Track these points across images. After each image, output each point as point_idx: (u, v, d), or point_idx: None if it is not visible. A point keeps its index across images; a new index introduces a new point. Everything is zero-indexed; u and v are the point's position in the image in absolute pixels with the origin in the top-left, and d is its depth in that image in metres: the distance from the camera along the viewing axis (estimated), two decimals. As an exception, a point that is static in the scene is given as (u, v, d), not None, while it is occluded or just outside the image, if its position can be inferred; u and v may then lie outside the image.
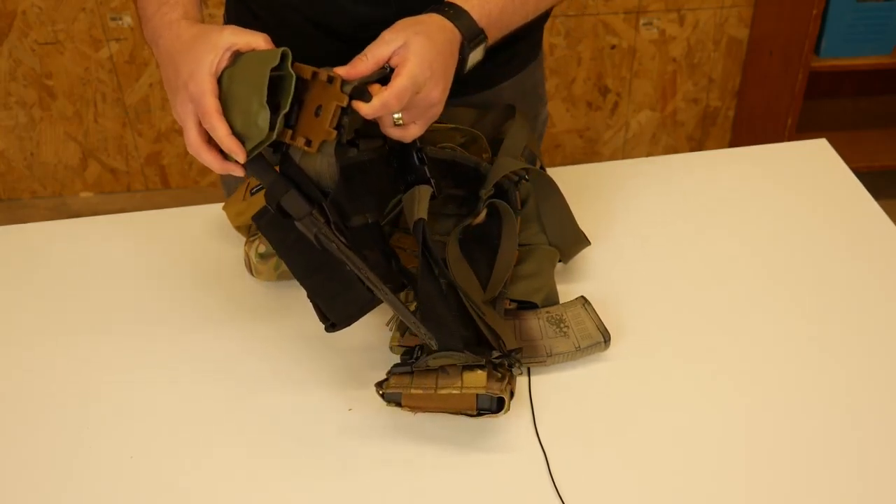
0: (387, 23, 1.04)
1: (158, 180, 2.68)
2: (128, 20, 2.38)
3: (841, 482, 0.85)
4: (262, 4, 1.10)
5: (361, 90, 0.85)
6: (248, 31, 0.86)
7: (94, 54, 2.43)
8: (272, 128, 0.83)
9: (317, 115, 0.84)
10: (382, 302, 0.87)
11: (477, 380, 0.87)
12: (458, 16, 0.91)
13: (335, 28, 1.06)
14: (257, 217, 0.89)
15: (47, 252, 1.17)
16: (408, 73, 0.85)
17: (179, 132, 2.59)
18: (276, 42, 0.87)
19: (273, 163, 0.88)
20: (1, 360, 1.02)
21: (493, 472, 0.87)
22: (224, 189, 1.30)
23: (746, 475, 0.86)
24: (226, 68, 0.85)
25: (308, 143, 0.84)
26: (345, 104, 0.83)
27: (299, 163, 0.86)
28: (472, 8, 0.92)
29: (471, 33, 0.92)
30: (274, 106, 0.83)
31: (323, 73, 0.84)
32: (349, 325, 0.90)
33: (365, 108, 0.84)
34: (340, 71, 0.85)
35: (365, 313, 0.89)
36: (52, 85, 2.47)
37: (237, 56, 0.85)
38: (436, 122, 0.99)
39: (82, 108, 2.52)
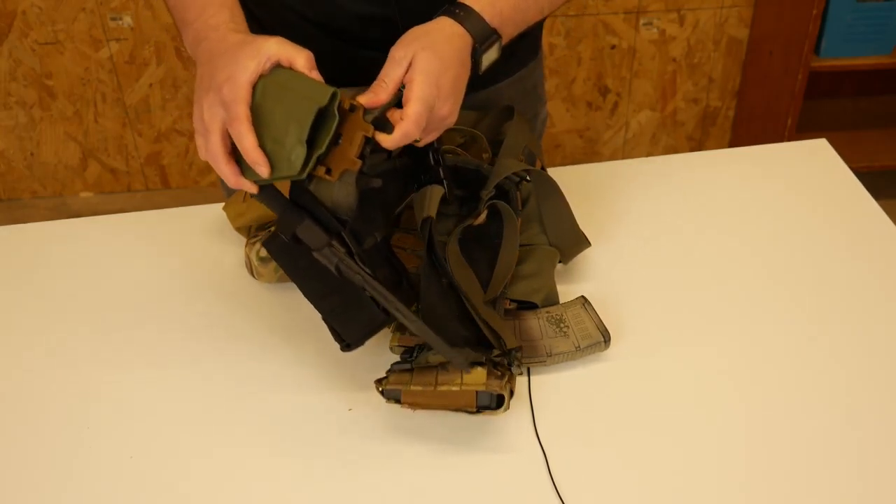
0: (387, 21, 1.04)
1: (158, 180, 2.69)
2: (128, 20, 2.38)
3: (841, 482, 0.85)
4: (259, 2, 1.10)
5: (383, 120, 0.84)
6: (293, 45, 0.84)
7: (94, 54, 2.43)
8: (304, 166, 0.81)
9: (336, 143, 0.83)
10: (395, 320, 0.86)
11: (477, 377, 0.87)
12: (467, 17, 0.89)
13: (335, 27, 1.06)
14: (268, 242, 0.89)
15: (47, 252, 1.17)
16: (417, 97, 0.84)
17: (179, 132, 2.59)
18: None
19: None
20: (1, 360, 1.02)
21: (492, 471, 0.87)
22: (224, 190, 1.30)
23: (746, 475, 0.86)
24: (261, 77, 0.83)
25: (328, 171, 0.82)
26: (370, 134, 0.82)
27: (312, 189, 0.85)
28: (482, 8, 0.90)
29: (482, 35, 0.89)
30: (307, 140, 0.82)
31: (345, 101, 0.82)
32: (362, 344, 0.89)
33: (387, 142, 0.83)
34: (362, 99, 0.83)
35: (377, 332, 0.89)
36: (52, 85, 2.48)
37: (275, 68, 0.83)
38: None
39: (82, 108, 2.52)
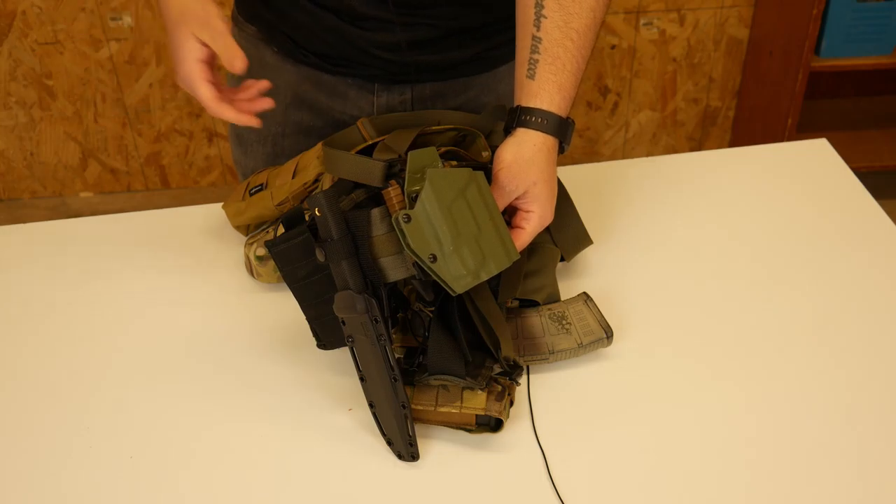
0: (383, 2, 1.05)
1: (158, 180, 2.69)
2: (128, 20, 2.38)
3: (842, 482, 0.85)
4: None
5: None
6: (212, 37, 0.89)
7: (94, 54, 2.43)
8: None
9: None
10: None
11: (477, 401, 0.87)
12: (549, 123, 0.91)
13: (334, 5, 1.07)
14: (271, 245, 0.88)
15: (47, 252, 1.17)
16: (530, 232, 0.91)
17: (179, 132, 2.59)
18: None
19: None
20: (1, 360, 1.02)
21: (492, 471, 0.87)
22: (234, 144, 1.29)
23: (747, 474, 0.86)
24: (471, 170, 0.86)
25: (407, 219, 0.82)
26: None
27: (372, 237, 0.83)
28: (554, 102, 0.91)
29: (564, 132, 0.92)
30: None
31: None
32: (336, 348, 0.92)
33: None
34: None
35: None
36: (52, 85, 2.48)
37: (477, 173, 0.85)
38: (431, 126, 0.99)
39: (82, 108, 2.52)
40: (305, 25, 1.10)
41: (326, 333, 0.92)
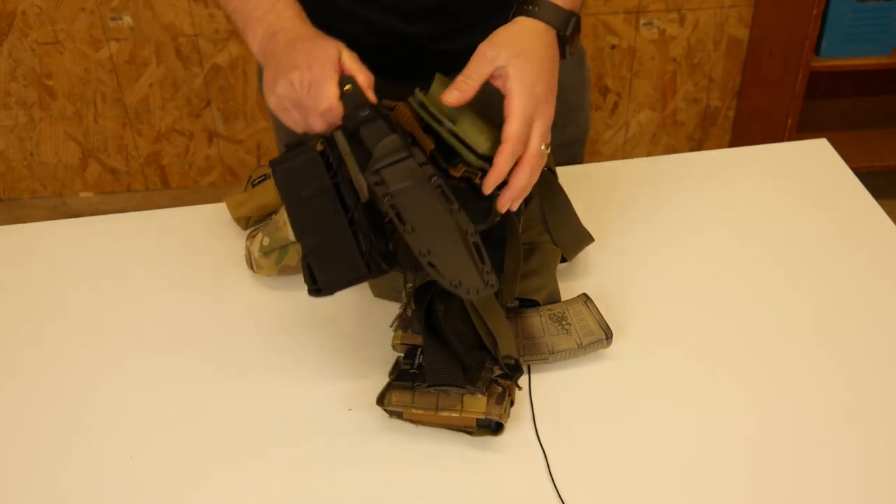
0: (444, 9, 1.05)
1: (158, 180, 2.69)
2: (128, 20, 2.38)
3: (842, 482, 0.85)
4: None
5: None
6: (357, 60, 0.88)
7: (94, 54, 2.43)
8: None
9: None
10: (371, 278, 0.86)
11: (477, 405, 0.87)
12: (543, 10, 0.87)
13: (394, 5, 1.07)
14: (275, 163, 0.86)
15: (47, 252, 1.17)
16: (517, 115, 0.84)
17: (179, 132, 2.59)
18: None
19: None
20: (1, 360, 1.02)
21: (492, 471, 0.87)
22: (276, 134, 1.29)
23: (747, 474, 0.86)
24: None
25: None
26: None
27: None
28: None
29: (562, 22, 0.88)
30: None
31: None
32: (333, 293, 0.87)
33: (497, 171, 0.85)
34: (449, 98, 0.84)
35: (353, 285, 0.87)
36: (52, 85, 2.47)
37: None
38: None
39: (82, 108, 2.52)
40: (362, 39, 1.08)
41: (325, 268, 0.86)
